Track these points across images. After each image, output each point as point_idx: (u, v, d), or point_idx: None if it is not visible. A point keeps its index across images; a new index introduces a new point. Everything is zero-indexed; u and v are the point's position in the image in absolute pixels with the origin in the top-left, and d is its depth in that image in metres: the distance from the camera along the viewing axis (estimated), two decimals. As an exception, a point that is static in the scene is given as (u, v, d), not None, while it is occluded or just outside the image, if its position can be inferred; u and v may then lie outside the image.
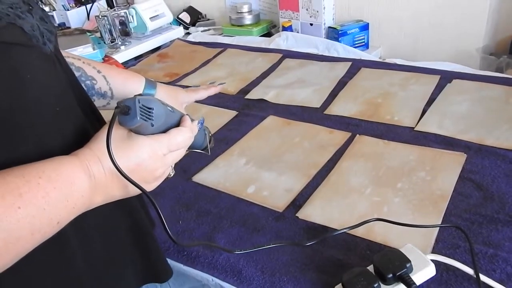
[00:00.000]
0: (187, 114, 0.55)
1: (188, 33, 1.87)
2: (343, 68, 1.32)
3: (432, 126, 0.99)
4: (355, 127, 1.03)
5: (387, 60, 1.37)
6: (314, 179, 0.88)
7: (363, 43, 1.59)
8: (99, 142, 0.46)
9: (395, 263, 0.60)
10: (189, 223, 0.81)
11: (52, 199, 0.40)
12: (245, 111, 1.16)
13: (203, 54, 1.56)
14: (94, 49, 1.45)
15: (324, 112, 1.11)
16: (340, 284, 0.62)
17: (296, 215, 0.80)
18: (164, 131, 0.50)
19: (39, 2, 0.49)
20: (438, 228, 0.73)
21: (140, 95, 0.48)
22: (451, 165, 0.86)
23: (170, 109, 0.51)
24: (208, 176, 0.92)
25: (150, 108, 0.47)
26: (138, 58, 1.67)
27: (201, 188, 0.90)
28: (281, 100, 1.18)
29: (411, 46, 1.54)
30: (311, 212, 0.80)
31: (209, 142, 0.68)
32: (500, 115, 0.99)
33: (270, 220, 0.80)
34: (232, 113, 1.15)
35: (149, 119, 0.47)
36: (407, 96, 1.12)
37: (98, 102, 0.70)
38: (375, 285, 0.59)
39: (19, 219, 0.37)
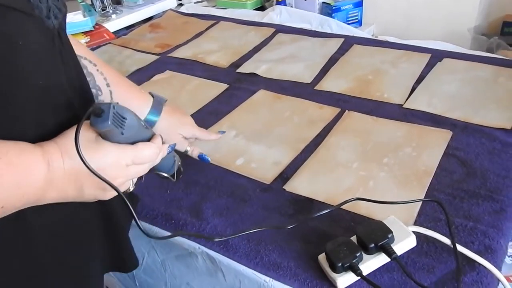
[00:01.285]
0: (160, 135, 0.55)
1: (181, 4, 1.84)
2: (335, 44, 1.32)
3: (421, 104, 1.00)
4: (345, 103, 1.04)
5: (380, 38, 1.37)
6: (302, 153, 0.89)
7: (357, 20, 1.58)
8: (66, 138, 0.46)
9: (377, 234, 0.62)
10: (177, 193, 0.83)
11: (4, 182, 0.40)
12: (236, 85, 1.16)
13: (195, 26, 1.54)
14: (84, 16, 1.43)
15: (315, 88, 1.11)
16: (324, 253, 0.64)
17: (283, 187, 0.81)
18: (132, 144, 0.50)
19: None
20: (420, 202, 0.75)
21: (117, 103, 0.48)
22: (437, 142, 0.88)
23: (143, 124, 0.51)
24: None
25: (123, 117, 0.47)
26: (129, 27, 1.65)
27: (189, 159, 0.90)
28: (273, 75, 1.18)
29: (404, 24, 1.54)
30: (298, 185, 0.81)
31: (177, 170, 0.69)
32: (488, 95, 1.00)
33: (258, 191, 0.81)
34: (223, 86, 1.15)
35: (120, 127, 0.47)
36: (397, 73, 1.13)
37: None
38: (357, 254, 0.61)
39: None
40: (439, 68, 1.13)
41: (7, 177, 0.40)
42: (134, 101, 0.74)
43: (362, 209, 0.74)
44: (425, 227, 0.68)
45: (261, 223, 0.74)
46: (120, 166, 0.48)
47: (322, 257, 0.64)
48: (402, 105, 1.01)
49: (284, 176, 0.84)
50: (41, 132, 0.46)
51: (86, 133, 0.46)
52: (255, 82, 1.16)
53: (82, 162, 0.44)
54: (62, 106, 0.49)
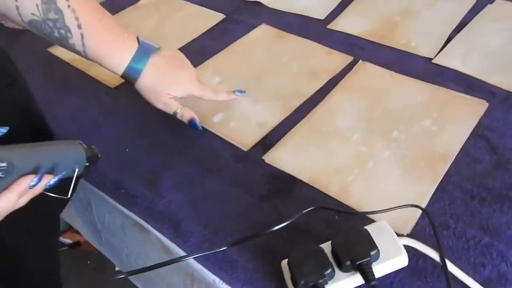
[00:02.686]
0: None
1: None
2: (364, -30, 1.08)
3: (454, 59, 0.79)
4: (360, 50, 0.84)
5: (421, -35, 1.11)
6: (294, 113, 0.73)
7: None
8: None
9: (357, 248, 0.48)
10: (137, 154, 0.69)
11: None
12: (234, 16, 0.97)
13: None
14: None
15: (327, 27, 0.91)
16: (287, 260, 0.50)
17: (263, 157, 0.66)
18: None
19: None
20: (429, 196, 0.59)
21: None
22: (466, 115, 0.69)
23: (2, 173, 0.44)
24: (172, 95, 0.78)
25: None
26: None
27: (160, 111, 0.75)
28: (279, 5, 0.98)
29: None
30: (281, 156, 0.66)
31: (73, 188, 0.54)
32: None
33: (231, 160, 0.66)
34: (218, 17, 0.96)
35: None
36: (433, 16, 0.90)
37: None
38: (327, 272, 0.47)
39: None
40: (487, 13, 0.90)
41: None
42: (111, 49, 0.60)
43: (352, 198, 0.59)
44: (425, 237, 0.53)
45: (225, 204, 0.60)
46: None
47: (285, 265, 0.51)
48: (431, 59, 0.80)
49: (267, 143, 0.68)
50: None
51: None
52: (257, 14, 0.97)
53: None
54: None
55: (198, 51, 0.88)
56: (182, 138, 0.71)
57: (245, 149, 0.68)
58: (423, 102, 0.72)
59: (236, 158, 0.67)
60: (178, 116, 0.68)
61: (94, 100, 0.81)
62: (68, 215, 0.87)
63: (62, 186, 0.50)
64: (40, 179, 0.46)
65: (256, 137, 0.69)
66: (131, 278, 0.76)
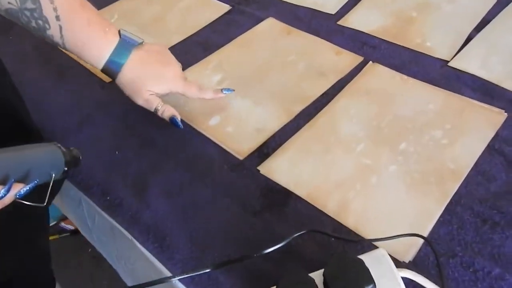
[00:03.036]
0: None
1: None
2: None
3: (473, 63, 0.73)
4: (372, 49, 0.78)
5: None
6: (296, 118, 0.68)
7: None
8: None
9: (350, 281, 0.43)
10: (127, 155, 0.65)
11: None
12: (241, 7, 0.91)
13: None
14: None
15: (338, 22, 0.85)
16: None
17: (258, 167, 0.62)
18: None
19: None
20: (435, 219, 0.54)
21: None
22: (482, 126, 0.63)
23: None
24: (168, 96, 0.73)
25: None
26: None
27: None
28: (289, -3, 0.92)
29: None
30: (277, 167, 0.61)
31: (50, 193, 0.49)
32: None
33: (225, 168, 0.62)
34: (224, 8, 0.91)
35: None
36: (452, 12, 0.84)
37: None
38: (316, 306, 0.43)
39: None
40: (513, 10, 0.83)
41: None
42: (91, 41, 0.58)
43: (350, 219, 0.55)
44: (426, 266, 0.48)
45: (215, 218, 0.56)
46: None
47: (273, 293, 0.47)
48: (447, 61, 0.74)
49: (264, 151, 0.64)
50: None
51: None
52: (265, 5, 0.91)
53: None
54: None
55: (200, 44, 0.83)
56: (173, 138, 0.67)
57: (241, 157, 0.63)
58: (436, 110, 0.66)
59: (230, 166, 0.63)
60: (159, 113, 0.65)
61: (87, 94, 0.77)
62: (62, 207, 0.85)
63: (40, 191, 0.47)
64: (8, 190, 0.43)
65: (253, 144, 0.65)
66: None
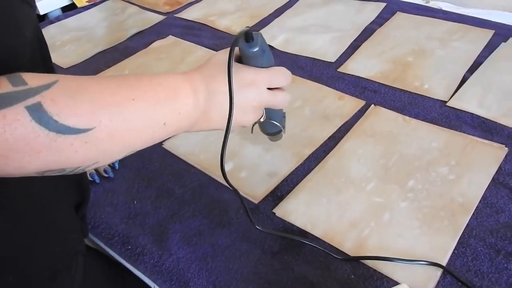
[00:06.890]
0: None
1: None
2: (374, 10, 1.08)
3: (470, 102, 0.77)
4: (372, 93, 0.83)
5: (431, 4, 1.11)
6: (306, 161, 0.71)
7: (407, -22, 1.31)
8: (209, 67, 0.47)
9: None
10: (145, 205, 0.67)
11: (161, 99, 0.42)
12: (245, 60, 0.96)
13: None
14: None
15: (338, 70, 0.90)
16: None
17: (273, 210, 0.64)
18: None
19: None
20: (450, 252, 0.55)
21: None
22: (485, 161, 0.66)
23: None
24: (182, 144, 0.76)
25: (265, 47, 0.49)
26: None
27: (169, 159, 0.74)
28: (291, 49, 0.98)
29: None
30: (292, 209, 0.64)
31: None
32: None
33: (241, 213, 0.64)
34: (229, 61, 0.96)
35: (262, 55, 0.48)
36: (446, 56, 0.89)
37: None
38: None
39: (131, 111, 0.39)
40: (503, 52, 0.88)
41: (161, 94, 0.42)
42: None
43: (368, 254, 0.56)
44: (449, 298, 0.50)
45: (235, 262, 0.58)
46: (257, 87, 0.49)
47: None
48: (445, 102, 0.78)
49: (277, 194, 0.66)
50: None
51: (225, 56, 0.46)
52: (268, 57, 0.96)
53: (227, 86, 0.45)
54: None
55: (208, 97, 0.87)
56: (189, 187, 0.69)
57: (256, 201, 0.66)
58: (439, 148, 0.69)
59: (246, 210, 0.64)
60: None
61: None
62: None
63: None
64: None
65: (266, 188, 0.67)
66: None
